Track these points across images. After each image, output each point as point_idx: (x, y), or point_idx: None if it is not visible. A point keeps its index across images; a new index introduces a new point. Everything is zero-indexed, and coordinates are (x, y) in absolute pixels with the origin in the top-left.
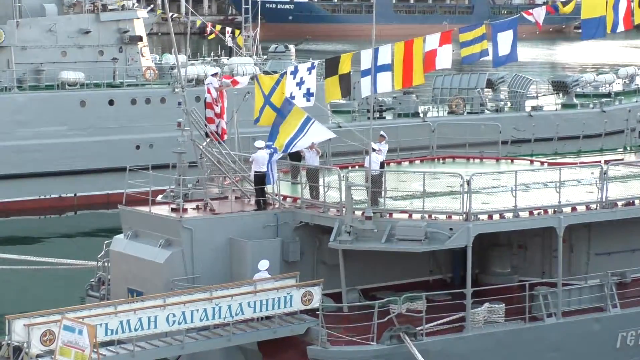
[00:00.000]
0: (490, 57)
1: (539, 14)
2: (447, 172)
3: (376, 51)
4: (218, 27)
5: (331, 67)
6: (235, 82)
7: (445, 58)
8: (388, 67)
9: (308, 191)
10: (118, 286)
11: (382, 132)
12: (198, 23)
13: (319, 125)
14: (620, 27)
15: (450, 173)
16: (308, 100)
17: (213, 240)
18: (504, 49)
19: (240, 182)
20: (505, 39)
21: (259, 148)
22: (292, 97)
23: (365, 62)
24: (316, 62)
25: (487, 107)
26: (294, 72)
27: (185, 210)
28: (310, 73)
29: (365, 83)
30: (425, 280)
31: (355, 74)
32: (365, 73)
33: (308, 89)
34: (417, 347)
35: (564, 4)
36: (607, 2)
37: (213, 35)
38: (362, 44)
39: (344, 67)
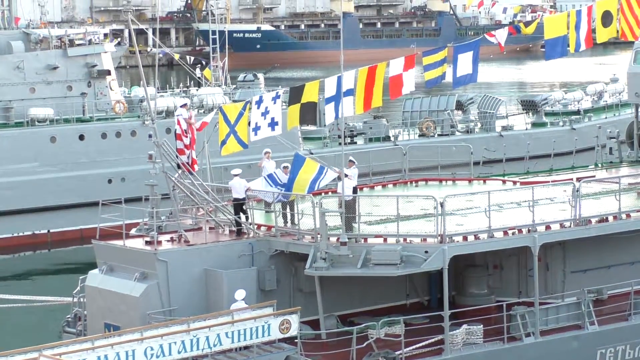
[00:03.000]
0: (449, 79)
1: (501, 36)
2: (420, 194)
3: (340, 78)
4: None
5: (295, 95)
6: (203, 124)
7: (409, 82)
8: (351, 92)
9: (281, 219)
10: (95, 321)
11: (350, 158)
12: (177, 57)
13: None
14: (583, 46)
15: (424, 196)
16: (273, 129)
17: (188, 272)
18: (464, 69)
19: (214, 213)
20: (465, 60)
21: (235, 175)
22: (257, 128)
23: (330, 88)
24: (280, 91)
25: (457, 129)
26: (259, 102)
27: (159, 242)
28: (275, 102)
29: (329, 109)
30: (403, 304)
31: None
32: (329, 100)
33: (272, 119)
34: None
35: (526, 25)
36: (568, 22)
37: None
38: (330, 69)
39: (309, 95)
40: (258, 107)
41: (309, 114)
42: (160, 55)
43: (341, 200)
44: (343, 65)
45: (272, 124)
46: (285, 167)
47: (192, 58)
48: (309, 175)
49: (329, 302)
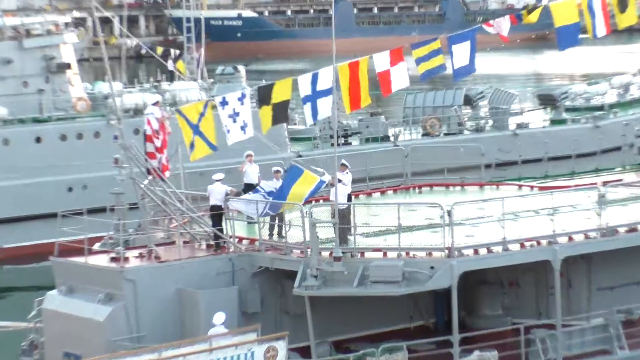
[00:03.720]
0: (449, 71)
1: (501, 25)
2: (424, 202)
3: (315, 76)
4: (160, 49)
5: (265, 95)
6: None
7: (401, 78)
8: (328, 92)
9: (267, 231)
10: (53, 349)
11: (343, 161)
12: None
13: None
14: (602, 31)
15: (428, 203)
16: (244, 133)
17: (160, 292)
18: (461, 60)
19: (189, 224)
20: (462, 51)
21: (217, 180)
22: (228, 131)
23: (304, 88)
24: (247, 91)
25: (466, 127)
26: (224, 103)
27: (126, 259)
28: (242, 103)
29: (308, 110)
30: (406, 327)
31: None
32: (306, 100)
33: (243, 121)
34: None
35: (529, 12)
36: (579, 7)
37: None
38: (320, 61)
39: (280, 94)
40: (223, 108)
41: (282, 113)
42: (131, 45)
43: (334, 209)
44: (335, 56)
45: (243, 127)
46: (276, 172)
47: (164, 49)
48: (306, 189)
49: (321, 326)
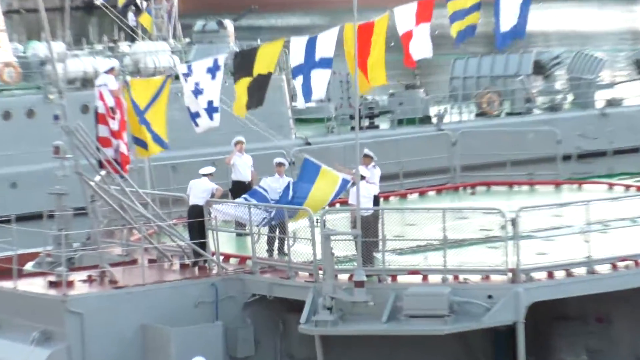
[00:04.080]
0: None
1: None
2: (479, 207)
3: (313, 41)
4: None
5: (243, 64)
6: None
7: (423, 44)
8: (327, 63)
9: (265, 246)
10: None
11: (366, 151)
12: None
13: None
14: None
15: (485, 209)
16: (211, 118)
17: (117, 330)
18: (508, 20)
19: (157, 236)
20: (510, 5)
21: (204, 175)
22: (195, 115)
23: (297, 55)
24: (221, 58)
25: (536, 105)
26: (188, 75)
27: (70, 283)
28: (213, 77)
29: (298, 86)
30: None
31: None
32: (298, 71)
33: (210, 102)
34: None
35: None
36: None
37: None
38: (337, 15)
39: (264, 63)
40: (186, 81)
41: (259, 92)
42: None
43: (355, 217)
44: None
45: (211, 110)
46: (279, 165)
47: None
48: (328, 191)
49: None
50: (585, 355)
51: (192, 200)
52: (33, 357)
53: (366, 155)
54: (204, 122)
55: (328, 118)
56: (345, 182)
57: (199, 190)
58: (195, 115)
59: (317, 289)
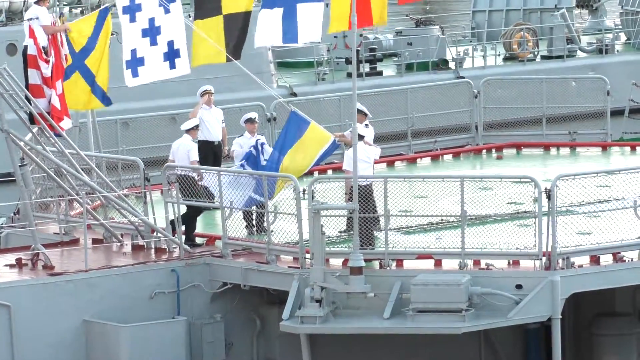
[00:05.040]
0: None
1: None
2: (507, 175)
3: None
4: None
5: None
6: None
7: None
8: None
9: (238, 222)
10: None
11: (358, 106)
12: None
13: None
14: None
15: (514, 177)
16: (172, 66)
17: (53, 327)
18: None
19: (103, 210)
20: None
21: (186, 131)
22: (139, 61)
23: None
24: None
25: (580, 46)
26: (132, 9)
27: None
28: (167, 10)
29: (265, 23)
30: None
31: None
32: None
33: (171, 43)
34: None
35: None
36: None
37: None
38: None
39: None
40: (132, 19)
41: (236, 36)
42: None
43: (351, 186)
44: None
45: (172, 54)
46: (249, 121)
47: None
48: (312, 153)
49: None
50: (636, 359)
51: (180, 171)
52: None
53: (359, 112)
54: (155, 72)
55: (319, 62)
56: (334, 146)
57: (183, 154)
58: (136, 63)
59: (303, 277)
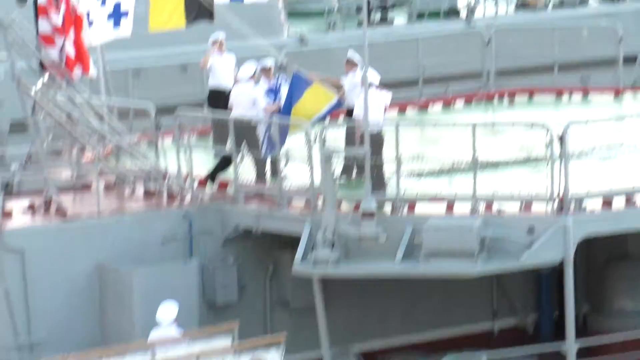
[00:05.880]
0: None
1: None
2: (519, 121)
3: None
4: None
5: None
6: None
7: None
8: None
9: (250, 168)
10: None
11: (350, 54)
12: None
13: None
14: None
15: (526, 123)
16: (116, 25)
17: (66, 272)
18: None
19: (114, 157)
20: None
21: (246, 79)
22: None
23: None
24: None
25: None
26: None
27: (7, 214)
28: None
29: None
30: (486, 331)
31: None
32: None
33: (117, 5)
34: None
35: None
36: None
37: None
38: None
39: None
40: None
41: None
42: None
43: (363, 132)
44: None
45: (117, 14)
46: (265, 70)
47: None
48: (313, 109)
49: (340, 327)
50: None
51: (237, 110)
52: None
53: (348, 61)
54: (103, 32)
55: (329, 10)
56: (337, 104)
57: (246, 102)
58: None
59: (315, 221)
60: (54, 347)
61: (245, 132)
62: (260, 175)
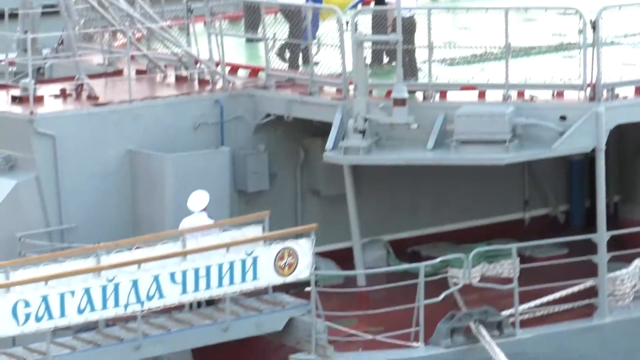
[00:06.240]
0: None
1: None
2: (552, 6)
3: None
4: None
5: None
6: None
7: None
8: None
9: (281, 53)
10: None
11: None
12: None
13: None
14: None
15: (558, 9)
16: None
17: (97, 157)
18: None
19: (146, 42)
20: None
21: None
22: None
23: None
24: None
25: None
26: None
27: (39, 99)
28: None
29: None
30: (517, 219)
31: None
32: None
33: None
34: (505, 350)
35: None
36: None
37: None
38: None
39: None
40: None
41: None
42: None
43: (395, 17)
44: None
45: None
46: None
47: None
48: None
49: (371, 217)
50: None
51: None
52: None
53: None
54: None
55: None
56: None
57: None
58: None
59: (346, 108)
60: (84, 234)
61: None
62: (293, 61)
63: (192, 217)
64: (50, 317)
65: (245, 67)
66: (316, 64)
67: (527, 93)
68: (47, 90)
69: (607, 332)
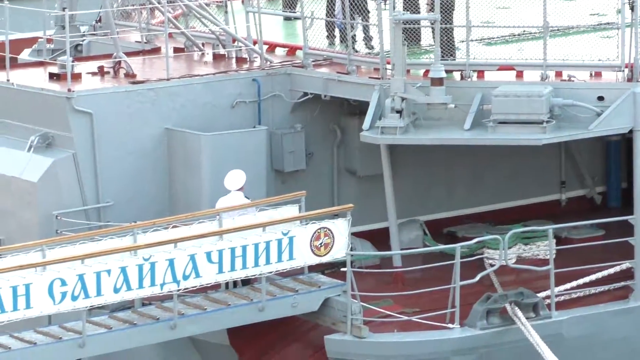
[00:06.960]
0: None
1: None
2: None
3: None
4: None
5: None
6: None
7: None
8: None
9: (319, 32)
10: None
11: None
12: None
13: None
14: None
15: None
16: None
17: (134, 135)
18: None
19: (184, 19)
20: None
21: None
22: None
23: None
24: None
25: None
26: None
27: (77, 76)
28: None
29: None
30: (553, 200)
31: None
32: None
33: None
34: (541, 332)
35: None
36: None
37: None
38: None
39: None
40: None
41: None
42: None
43: None
44: None
45: None
46: None
47: None
48: None
49: (407, 197)
50: None
51: None
52: (32, 167)
53: None
54: None
55: None
56: None
57: None
58: None
59: (383, 88)
60: (121, 212)
61: None
62: (330, 40)
63: (229, 197)
64: (87, 295)
65: (283, 46)
66: (354, 42)
67: (565, 73)
68: (85, 68)
69: None
